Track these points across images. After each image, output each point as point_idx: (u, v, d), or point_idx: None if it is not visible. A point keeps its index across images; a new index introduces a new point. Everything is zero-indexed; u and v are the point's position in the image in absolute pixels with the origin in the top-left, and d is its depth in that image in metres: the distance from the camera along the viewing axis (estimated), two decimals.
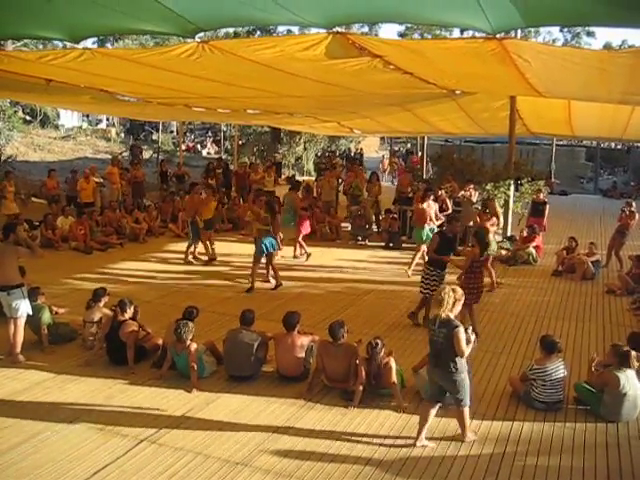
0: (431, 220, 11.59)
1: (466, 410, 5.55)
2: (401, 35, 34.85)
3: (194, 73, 9.06)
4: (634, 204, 13.38)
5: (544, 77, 9.03)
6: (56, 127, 33.02)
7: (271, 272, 10.95)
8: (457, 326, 5.31)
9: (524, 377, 6.41)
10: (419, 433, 5.57)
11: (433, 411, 5.61)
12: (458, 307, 5.50)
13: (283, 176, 25.17)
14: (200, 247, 12.86)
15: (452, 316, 5.39)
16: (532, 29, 27.08)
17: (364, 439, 5.64)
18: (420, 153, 25.17)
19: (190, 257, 12.68)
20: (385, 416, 6.08)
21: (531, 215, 14.11)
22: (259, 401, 6.37)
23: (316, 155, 30.65)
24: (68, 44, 7.80)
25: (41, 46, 18.52)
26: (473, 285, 8.08)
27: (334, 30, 6.49)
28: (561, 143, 30.82)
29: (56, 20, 6.65)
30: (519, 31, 10.05)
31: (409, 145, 40.07)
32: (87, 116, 36.87)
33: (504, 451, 5.48)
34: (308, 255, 13.09)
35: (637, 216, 12.90)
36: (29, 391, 6.49)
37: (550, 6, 5.31)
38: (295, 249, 13.27)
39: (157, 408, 6.17)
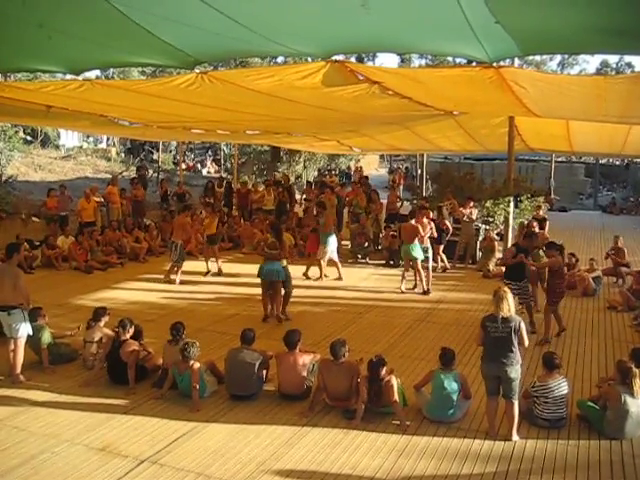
0: (421, 238, 11.59)
1: (516, 405, 5.93)
2: (399, 54, 35.10)
3: (193, 101, 9.15)
4: (621, 239, 13.31)
5: (541, 102, 9.12)
6: (57, 147, 33.14)
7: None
8: (521, 320, 5.99)
9: (527, 394, 6.38)
10: (492, 428, 6.06)
11: (495, 403, 6.06)
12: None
13: None
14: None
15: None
16: None
17: (366, 458, 5.59)
18: (420, 170, 25.26)
19: (172, 276, 12.48)
20: (387, 434, 6.04)
21: None
22: (260, 420, 6.34)
23: (319, 172, 30.87)
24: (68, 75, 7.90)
25: (40, 74, 18.64)
26: (559, 288, 8.99)
27: (332, 59, 6.55)
28: (560, 159, 30.93)
29: (57, 55, 6.75)
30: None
31: (408, 163, 40.30)
32: (87, 136, 37.01)
33: (507, 469, 5.44)
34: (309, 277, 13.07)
35: (626, 250, 12.94)
36: (29, 412, 6.45)
37: (545, 35, 5.38)
38: (321, 270, 12.95)
39: (158, 428, 6.13)
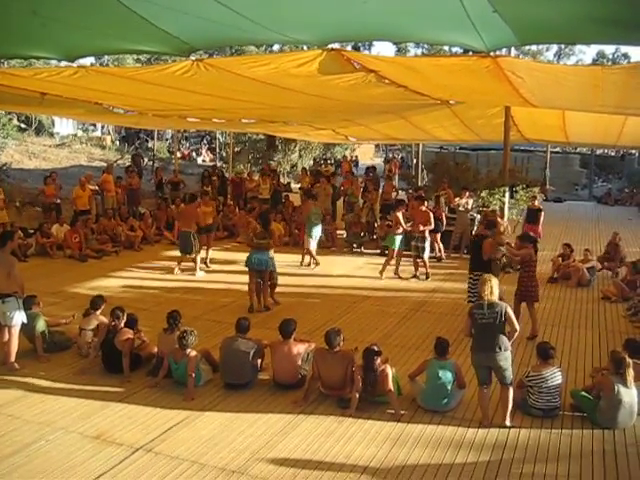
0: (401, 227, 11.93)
1: (511, 390, 5.96)
2: (396, 43, 34.97)
3: (189, 88, 9.09)
4: (619, 236, 13.27)
5: (537, 92, 9.08)
6: (51, 135, 32.95)
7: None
8: (507, 305, 5.99)
9: (521, 384, 6.40)
10: (485, 417, 6.06)
11: (488, 392, 6.07)
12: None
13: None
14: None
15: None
16: None
17: (360, 447, 5.61)
18: (415, 160, 25.22)
19: (179, 267, 12.42)
20: (381, 424, 6.06)
21: (526, 222, 14.15)
22: (255, 409, 6.35)
23: (314, 161, 30.81)
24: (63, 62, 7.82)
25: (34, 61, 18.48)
26: (531, 283, 8.76)
27: (328, 47, 6.52)
28: (555, 150, 30.91)
29: (51, 41, 6.68)
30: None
31: (404, 153, 40.27)
32: (82, 124, 36.82)
33: (501, 458, 5.47)
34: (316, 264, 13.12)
35: (622, 246, 12.98)
36: (23, 400, 6.45)
37: (543, 25, 5.36)
38: (303, 258, 13.28)
39: (152, 417, 6.13)
